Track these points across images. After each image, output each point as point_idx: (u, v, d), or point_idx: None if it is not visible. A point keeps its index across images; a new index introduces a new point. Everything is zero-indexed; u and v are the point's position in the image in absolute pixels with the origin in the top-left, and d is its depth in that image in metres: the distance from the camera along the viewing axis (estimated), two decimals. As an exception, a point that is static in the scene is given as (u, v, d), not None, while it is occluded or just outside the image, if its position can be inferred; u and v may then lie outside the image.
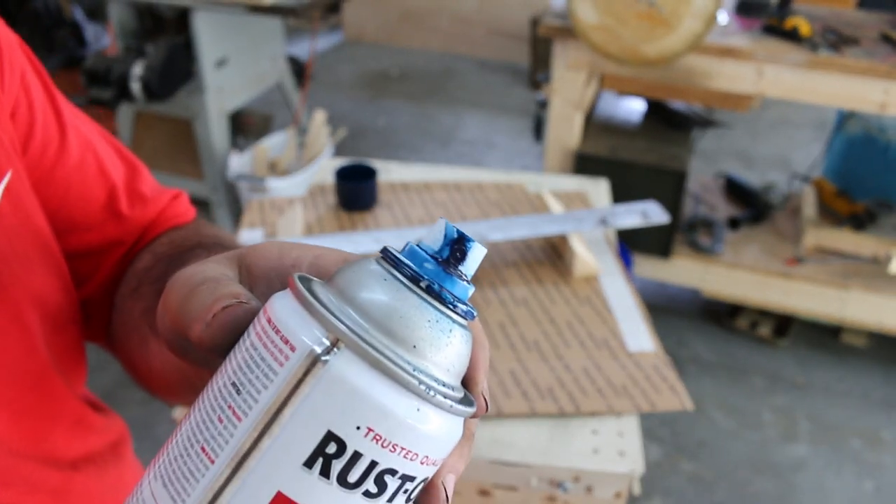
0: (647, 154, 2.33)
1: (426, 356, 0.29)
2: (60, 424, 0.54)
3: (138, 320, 0.53)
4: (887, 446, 2.17)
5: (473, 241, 0.31)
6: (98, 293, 0.58)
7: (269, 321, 0.29)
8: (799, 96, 2.08)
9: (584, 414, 1.06)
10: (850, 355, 2.48)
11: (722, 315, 2.60)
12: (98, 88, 2.43)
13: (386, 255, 0.31)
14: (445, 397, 0.29)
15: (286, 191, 2.51)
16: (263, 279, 0.36)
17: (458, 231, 0.30)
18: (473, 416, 0.31)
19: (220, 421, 0.29)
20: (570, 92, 2.22)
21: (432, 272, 0.30)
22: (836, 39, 2.08)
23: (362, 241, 1.31)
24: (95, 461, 0.58)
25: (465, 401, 0.31)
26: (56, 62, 2.98)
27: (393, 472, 0.28)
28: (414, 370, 0.28)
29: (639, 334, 1.21)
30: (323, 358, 0.28)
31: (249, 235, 1.44)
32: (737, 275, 2.41)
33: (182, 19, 2.57)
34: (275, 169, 2.68)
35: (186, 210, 0.62)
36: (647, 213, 1.40)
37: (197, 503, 0.29)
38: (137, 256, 0.58)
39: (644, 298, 1.36)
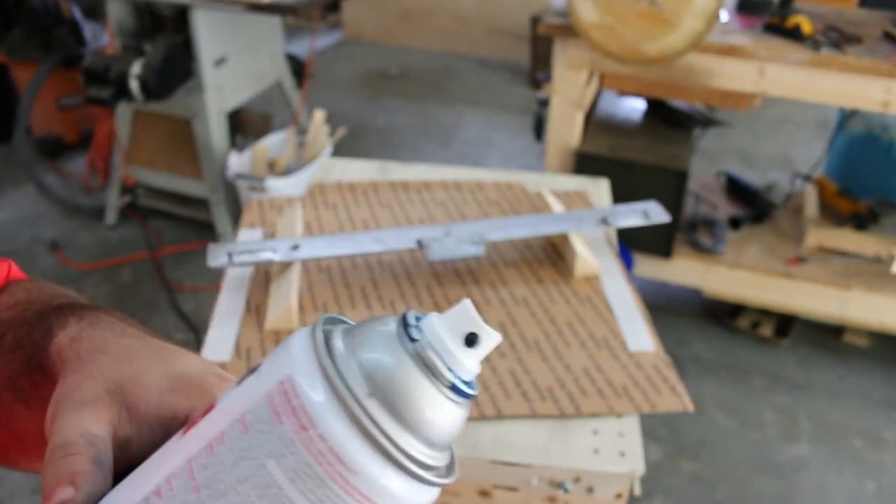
0: (647, 153, 2.32)
1: (416, 429, 0.30)
2: None
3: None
4: (889, 446, 2.16)
5: (490, 328, 0.32)
6: None
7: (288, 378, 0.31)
8: (801, 95, 2.07)
9: (585, 415, 1.05)
10: (851, 355, 2.47)
11: (723, 315, 2.59)
12: (96, 87, 2.42)
13: (404, 323, 0.32)
14: (423, 468, 0.31)
15: (286, 190, 2.51)
16: (145, 424, 0.37)
17: (477, 317, 0.32)
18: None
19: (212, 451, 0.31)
20: (570, 91, 2.21)
21: (442, 351, 0.31)
22: (838, 38, 2.07)
23: (362, 241, 1.30)
24: None
25: (448, 469, 0.33)
26: (54, 61, 2.97)
27: None
28: (398, 443, 0.30)
29: (639, 334, 1.20)
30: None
31: (249, 235, 1.43)
32: (738, 274, 2.40)
33: (181, 18, 2.56)
34: (274, 168, 2.67)
35: (10, 275, 0.58)
36: (648, 213, 1.39)
37: None
38: None
39: (645, 298, 1.35)
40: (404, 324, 0.32)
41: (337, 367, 0.30)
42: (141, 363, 0.40)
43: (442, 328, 0.31)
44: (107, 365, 0.40)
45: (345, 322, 0.34)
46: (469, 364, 0.31)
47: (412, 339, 0.31)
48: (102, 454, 0.35)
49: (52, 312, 0.46)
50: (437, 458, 0.32)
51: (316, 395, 0.29)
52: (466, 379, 0.32)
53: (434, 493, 0.32)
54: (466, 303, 0.32)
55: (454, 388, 0.31)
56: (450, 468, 0.33)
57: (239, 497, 0.30)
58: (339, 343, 0.31)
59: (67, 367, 0.41)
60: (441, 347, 0.31)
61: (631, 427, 1.05)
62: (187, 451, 0.32)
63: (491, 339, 0.32)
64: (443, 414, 0.31)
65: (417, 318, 0.32)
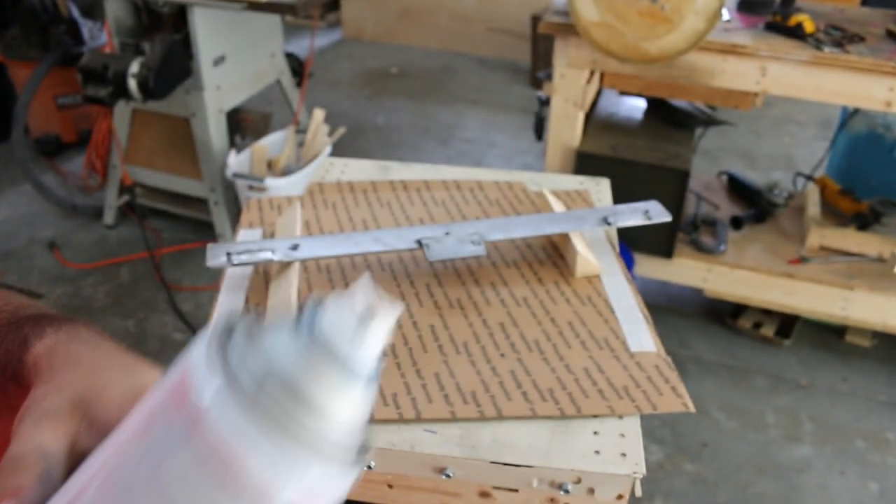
0: (648, 153, 2.31)
1: (312, 415, 0.30)
2: None
3: None
4: (892, 447, 2.15)
5: (387, 302, 0.31)
6: None
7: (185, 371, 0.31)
8: (803, 94, 2.06)
9: (586, 416, 1.04)
10: (854, 355, 2.46)
11: (724, 315, 2.58)
12: (95, 86, 2.41)
13: (302, 309, 0.31)
14: (326, 456, 0.30)
15: (285, 190, 2.50)
16: (106, 436, 0.38)
17: (373, 291, 0.31)
18: None
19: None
20: (571, 90, 2.20)
21: (339, 331, 0.30)
22: (841, 36, 2.06)
23: (362, 241, 1.29)
24: None
25: (359, 454, 0.32)
26: (52, 60, 2.96)
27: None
28: (293, 431, 0.29)
29: (640, 334, 1.19)
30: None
31: (248, 235, 1.42)
32: (740, 274, 2.39)
33: (180, 16, 2.55)
34: (273, 168, 2.67)
35: None
36: (649, 213, 1.38)
37: None
38: None
39: (646, 298, 1.34)
40: (300, 311, 0.31)
41: (227, 358, 0.30)
42: (107, 376, 0.41)
43: (337, 309, 0.31)
44: (76, 377, 0.41)
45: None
46: (367, 342, 0.31)
47: (307, 325, 0.30)
48: (53, 468, 0.37)
49: (27, 322, 0.47)
50: (342, 447, 0.31)
51: (204, 388, 0.29)
52: (366, 359, 0.31)
53: (345, 477, 0.31)
54: (364, 278, 0.31)
55: (350, 370, 0.30)
56: (360, 454, 0.33)
57: (144, 498, 0.29)
58: (238, 337, 0.31)
59: (40, 378, 0.42)
60: (335, 329, 0.30)
61: (632, 428, 1.04)
62: (105, 452, 0.32)
63: (388, 313, 0.31)
64: (341, 398, 0.30)
65: (315, 305, 0.31)
